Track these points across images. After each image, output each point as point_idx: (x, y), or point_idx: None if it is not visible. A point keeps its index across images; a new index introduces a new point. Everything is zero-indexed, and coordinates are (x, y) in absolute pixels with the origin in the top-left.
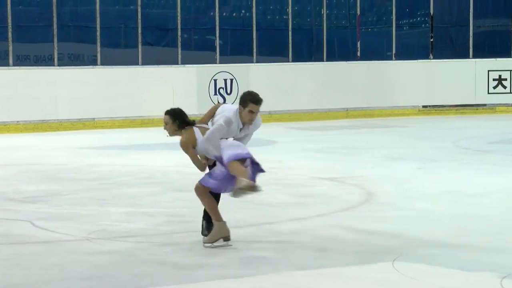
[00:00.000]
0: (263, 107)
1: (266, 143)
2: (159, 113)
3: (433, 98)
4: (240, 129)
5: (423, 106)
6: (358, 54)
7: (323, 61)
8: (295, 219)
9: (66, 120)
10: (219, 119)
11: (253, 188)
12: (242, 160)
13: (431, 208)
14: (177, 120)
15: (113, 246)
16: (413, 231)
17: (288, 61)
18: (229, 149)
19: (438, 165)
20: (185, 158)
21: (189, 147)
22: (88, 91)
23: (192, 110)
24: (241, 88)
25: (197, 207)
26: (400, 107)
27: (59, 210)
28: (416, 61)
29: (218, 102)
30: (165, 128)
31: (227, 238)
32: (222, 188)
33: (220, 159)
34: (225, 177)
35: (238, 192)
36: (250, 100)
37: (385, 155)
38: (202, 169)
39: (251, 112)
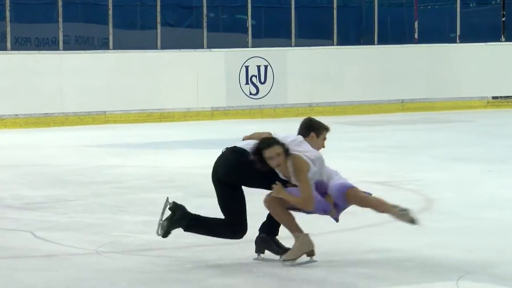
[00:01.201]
0: (303, 99)
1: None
2: (181, 105)
3: (505, 88)
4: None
5: (493, 98)
6: (416, 36)
7: (373, 44)
8: (341, 230)
9: (72, 114)
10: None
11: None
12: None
13: (502, 218)
14: (284, 147)
15: (127, 261)
16: (481, 245)
17: (333, 45)
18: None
19: (511, 168)
20: (210, 159)
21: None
22: (98, 80)
23: (219, 102)
24: (277, 77)
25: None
26: (465, 99)
27: (64, 219)
28: (484, 44)
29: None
30: (277, 164)
31: (311, 253)
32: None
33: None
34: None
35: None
36: (325, 128)
37: (447, 155)
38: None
39: (325, 139)
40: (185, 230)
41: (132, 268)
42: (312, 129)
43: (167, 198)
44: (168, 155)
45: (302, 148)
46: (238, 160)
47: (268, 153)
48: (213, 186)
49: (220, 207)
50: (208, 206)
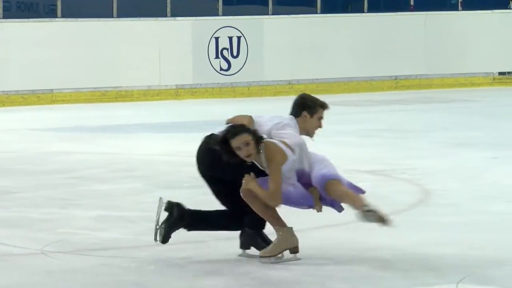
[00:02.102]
0: (282, 75)
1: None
2: (141, 83)
3: None
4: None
5: (500, 74)
6: (412, 2)
7: (363, 12)
8: (328, 225)
9: (14, 92)
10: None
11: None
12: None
13: (510, 210)
14: (255, 135)
15: (78, 263)
16: (486, 242)
17: (316, 13)
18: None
19: None
20: (176, 144)
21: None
22: (44, 53)
23: (185, 80)
24: (252, 50)
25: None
26: (468, 75)
27: (6, 214)
28: (491, 11)
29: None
30: (247, 153)
31: (294, 250)
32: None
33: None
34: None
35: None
36: (320, 105)
37: (447, 140)
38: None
39: (320, 118)
40: (188, 229)
41: (83, 270)
42: (305, 107)
43: (160, 198)
44: (126, 140)
45: (283, 133)
46: (215, 154)
47: (235, 142)
48: (178, 176)
49: (219, 201)
50: (175, 199)
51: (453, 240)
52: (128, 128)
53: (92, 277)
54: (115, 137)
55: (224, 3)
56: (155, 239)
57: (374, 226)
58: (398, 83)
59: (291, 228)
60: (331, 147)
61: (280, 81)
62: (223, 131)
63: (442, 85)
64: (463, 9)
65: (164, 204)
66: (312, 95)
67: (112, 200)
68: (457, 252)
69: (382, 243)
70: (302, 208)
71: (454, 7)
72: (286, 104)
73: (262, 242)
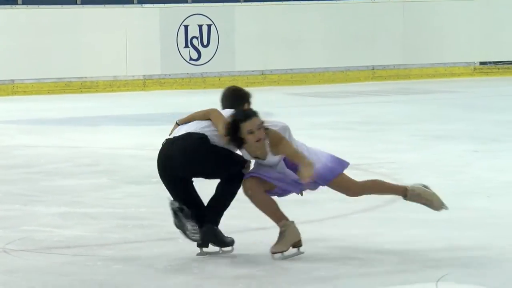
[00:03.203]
0: (254, 66)
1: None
2: (106, 73)
3: (495, 52)
4: None
5: (481, 63)
6: None
7: None
8: (302, 222)
9: None
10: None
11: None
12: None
13: (491, 206)
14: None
15: (42, 261)
16: (466, 239)
17: (289, 0)
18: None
19: (501, 147)
20: (143, 137)
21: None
22: (4, 42)
23: (153, 70)
24: (222, 39)
25: (158, 206)
26: (448, 65)
27: None
28: None
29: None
30: (258, 138)
31: (298, 243)
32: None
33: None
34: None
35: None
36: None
37: (426, 132)
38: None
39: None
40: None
41: (48, 269)
42: (246, 98)
43: (170, 201)
44: (91, 133)
45: (266, 120)
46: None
47: (248, 126)
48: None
49: (215, 176)
50: (139, 194)
51: (432, 237)
52: (93, 120)
53: (57, 277)
54: (79, 130)
55: None
56: (198, 243)
57: (350, 222)
58: (375, 73)
59: (293, 222)
60: (306, 139)
61: (253, 71)
62: (232, 115)
63: (421, 75)
64: None
65: (174, 205)
66: (236, 88)
67: (77, 196)
68: (437, 250)
69: (357, 241)
70: (287, 195)
71: None
72: (258, 95)
73: (223, 237)
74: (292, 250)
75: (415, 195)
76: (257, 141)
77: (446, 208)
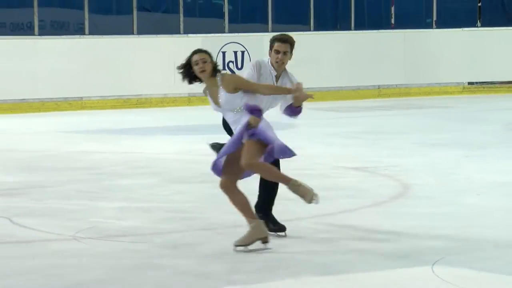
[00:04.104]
0: None
1: (283, 127)
2: (157, 91)
3: (481, 73)
4: (276, 77)
5: (469, 83)
6: (392, 21)
7: (350, 29)
8: (317, 215)
9: (49, 100)
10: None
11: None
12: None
13: (479, 203)
14: (213, 61)
15: (105, 247)
16: (458, 230)
17: (309, 30)
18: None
19: (488, 153)
20: (188, 144)
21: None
22: (74, 66)
23: (196, 88)
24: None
25: (201, 201)
26: (442, 84)
27: (41, 205)
28: (461, 29)
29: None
30: (201, 69)
31: (265, 239)
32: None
33: (248, 107)
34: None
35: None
36: (276, 38)
37: (424, 140)
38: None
39: (276, 52)
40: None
41: (110, 254)
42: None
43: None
44: (144, 141)
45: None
46: None
47: (194, 57)
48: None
49: None
50: (184, 192)
51: (429, 228)
52: (146, 130)
53: (117, 260)
54: (135, 138)
55: (229, 21)
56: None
57: (357, 216)
58: (380, 91)
59: (262, 221)
60: (322, 146)
61: None
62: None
63: (419, 93)
64: (437, 27)
65: (212, 144)
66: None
67: (132, 193)
68: (432, 239)
69: (363, 231)
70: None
71: (429, 26)
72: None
73: (272, 225)
74: (259, 245)
75: (296, 185)
76: (200, 72)
77: (316, 202)
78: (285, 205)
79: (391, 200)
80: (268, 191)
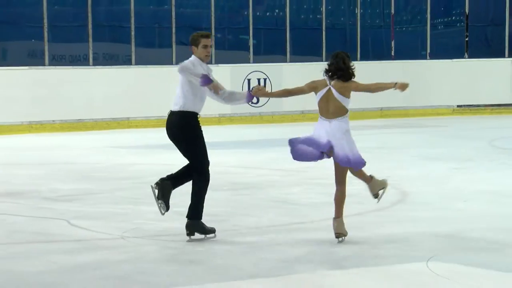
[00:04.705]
0: (297, 107)
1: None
2: None
3: (468, 97)
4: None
5: (458, 106)
6: (393, 53)
7: (357, 60)
8: (328, 218)
9: (101, 120)
10: None
11: None
12: None
13: (468, 208)
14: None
15: (148, 245)
16: (449, 232)
17: (322, 61)
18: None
19: (475, 165)
20: (219, 157)
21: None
22: (122, 91)
23: (225, 110)
24: (274, 87)
25: (230, 206)
26: (435, 107)
27: (94, 209)
28: (451, 60)
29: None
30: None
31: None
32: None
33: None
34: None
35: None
36: (201, 35)
37: (420, 155)
38: None
39: (205, 46)
40: (174, 187)
41: (153, 250)
42: (192, 44)
43: (151, 186)
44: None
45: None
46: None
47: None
48: (218, 182)
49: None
50: (214, 198)
51: (424, 229)
52: None
53: (158, 255)
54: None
55: (254, 53)
56: (162, 213)
57: (360, 219)
58: (383, 113)
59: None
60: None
61: (295, 111)
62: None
63: (416, 114)
64: (430, 59)
65: (154, 186)
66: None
67: (170, 199)
68: (428, 238)
69: (367, 231)
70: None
71: (424, 57)
72: (299, 128)
73: (202, 228)
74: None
75: (379, 182)
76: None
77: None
78: (298, 210)
79: (392, 205)
80: (185, 177)
